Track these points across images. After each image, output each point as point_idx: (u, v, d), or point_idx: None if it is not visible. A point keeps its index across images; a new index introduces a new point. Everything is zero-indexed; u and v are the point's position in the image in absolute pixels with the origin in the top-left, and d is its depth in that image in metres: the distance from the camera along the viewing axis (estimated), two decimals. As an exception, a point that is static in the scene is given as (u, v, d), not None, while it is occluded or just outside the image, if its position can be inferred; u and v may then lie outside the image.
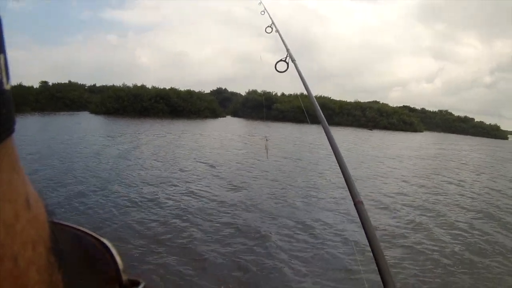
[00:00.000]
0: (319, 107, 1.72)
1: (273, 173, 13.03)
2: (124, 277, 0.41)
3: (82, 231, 0.44)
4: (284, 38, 2.73)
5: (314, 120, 2.45)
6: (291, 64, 2.69)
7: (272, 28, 2.89)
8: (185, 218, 7.79)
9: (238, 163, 15.01)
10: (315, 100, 1.93)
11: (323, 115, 1.69)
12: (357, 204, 1.12)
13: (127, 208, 8.18)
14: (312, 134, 29.14)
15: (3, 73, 0.25)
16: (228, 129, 32.70)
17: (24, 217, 0.28)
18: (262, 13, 3.03)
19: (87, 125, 28.23)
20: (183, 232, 7.03)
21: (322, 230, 7.64)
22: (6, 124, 0.25)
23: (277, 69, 2.57)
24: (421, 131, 71.80)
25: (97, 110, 41.92)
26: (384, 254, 1.13)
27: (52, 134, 20.45)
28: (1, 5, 0.27)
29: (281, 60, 2.58)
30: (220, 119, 46.78)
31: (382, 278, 1.09)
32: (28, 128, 23.23)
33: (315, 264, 6.18)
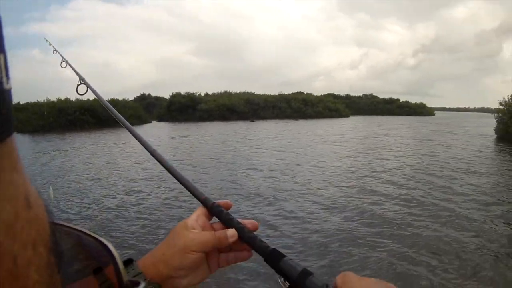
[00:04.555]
0: (116, 111, 1.44)
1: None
2: (125, 278, 0.47)
3: (83, 232, 0.52)
4: (76, 69, 2.37)
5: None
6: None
7: (66, 64, 2.51)
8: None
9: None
10: (111, 107, 1.54)
11: (123, 118, 1.39)
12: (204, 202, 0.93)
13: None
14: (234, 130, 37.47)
15: (3, 73, 0.27)
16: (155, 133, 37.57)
17: (24, 216, 0.30)
18: (54, 52, 2.73)
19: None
20: None
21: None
22: (7, 124, 0.27)
23: (78, 92, 2.38)
24: (347, 116, 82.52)
25: (23, 129, 42.34)
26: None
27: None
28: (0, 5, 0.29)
29: (81, 83, 2.43)
30: (146, 125, 51.59)
31: None
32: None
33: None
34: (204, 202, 0.90)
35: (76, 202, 11.04)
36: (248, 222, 0.86)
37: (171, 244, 0.79)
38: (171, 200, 10.71)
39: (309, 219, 9.34)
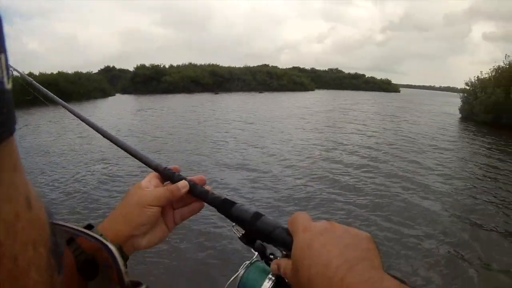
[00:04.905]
0: (44, 89, 1.52)
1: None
2: (126, 279, 0.48)
3: (85, 233, 0.53)
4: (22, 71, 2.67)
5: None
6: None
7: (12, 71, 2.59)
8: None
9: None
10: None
11: (57, 97, 1.46)
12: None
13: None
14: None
15: (4, 73, 0.27)
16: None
17: (25, 217, 0.30)
18: None
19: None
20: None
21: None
22: (8, 124, 0.27)
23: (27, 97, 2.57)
24: (312, 89, 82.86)
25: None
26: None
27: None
28: (0, 5, 0.29)
29: (27, 87, 2.47)
30: (110, 98, 50.55)
31: None
32: None
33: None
34: (156, 168, 0.96)
35: (48, 176, 10.89)
36: (196, 178, 0.92)
37: (127, 203, 0.82)
38: (135, 168, 10.84)
39: (275, 188, 9.64)
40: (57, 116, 25.25)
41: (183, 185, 0.87)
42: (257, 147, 15.11)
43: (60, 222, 0.54)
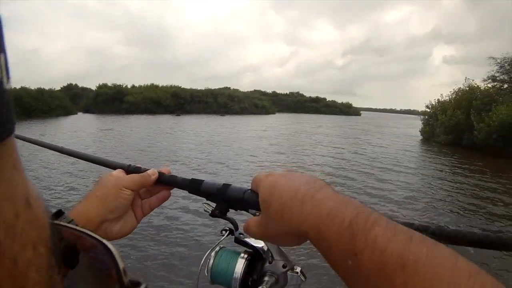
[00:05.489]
0: None
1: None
2: (125, 279, 0.45)
3: (83, 232, 0.50)
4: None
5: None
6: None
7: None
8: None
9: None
10: None
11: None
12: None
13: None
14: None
15: (4, 73, 0.27)
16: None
17: (24, 217, 0.29)
18: None
19: None
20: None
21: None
22: (7, 124, 0.28)
23: None
24: (273, 113, 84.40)
25: None
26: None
27: None
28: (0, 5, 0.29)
29: None
30: (73, 117, 50.08)
31: None
32: None
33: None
34: (121, 166, 0.98)
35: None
36: (163, 169, 0.97)
37: (103, 186, 0.86)
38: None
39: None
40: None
41: (152, 172, 0.94)
42: (223, 167, 15.69)
43: (62, 223, 0.55)
